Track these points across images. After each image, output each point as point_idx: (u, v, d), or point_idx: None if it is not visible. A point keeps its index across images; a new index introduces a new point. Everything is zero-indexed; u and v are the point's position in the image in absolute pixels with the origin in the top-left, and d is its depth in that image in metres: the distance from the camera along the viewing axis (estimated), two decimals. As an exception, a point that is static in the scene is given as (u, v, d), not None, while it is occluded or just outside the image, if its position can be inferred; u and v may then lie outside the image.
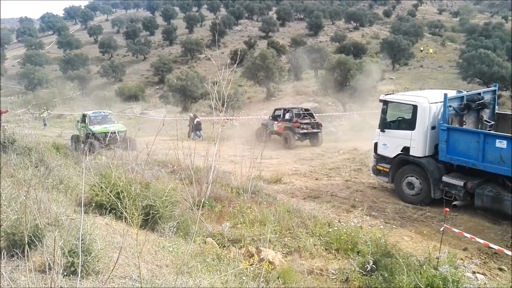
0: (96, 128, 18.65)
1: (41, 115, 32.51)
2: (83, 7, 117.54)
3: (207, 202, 8.40)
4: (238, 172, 10.71)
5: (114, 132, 18.40)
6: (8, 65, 71.79)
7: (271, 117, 23.39)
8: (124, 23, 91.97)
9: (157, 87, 57.11)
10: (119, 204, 5.63)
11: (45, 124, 31.01)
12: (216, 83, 9.32)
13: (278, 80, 42.43)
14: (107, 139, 17.35)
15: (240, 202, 9.08)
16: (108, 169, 6.67)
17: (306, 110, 23.47)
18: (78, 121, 20.62)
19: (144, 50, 72.74)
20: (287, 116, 22.22)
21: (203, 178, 8.88)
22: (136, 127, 24.63)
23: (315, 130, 21.88)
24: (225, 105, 8.82)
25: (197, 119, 24.87)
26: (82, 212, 4.34)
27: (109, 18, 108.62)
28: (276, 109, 24.06)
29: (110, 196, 5.91)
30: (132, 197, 5.92)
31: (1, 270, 3.37)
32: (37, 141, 8.79)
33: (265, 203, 9.36)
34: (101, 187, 6.14)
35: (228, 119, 27.43)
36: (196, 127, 24.42)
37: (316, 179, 13.92)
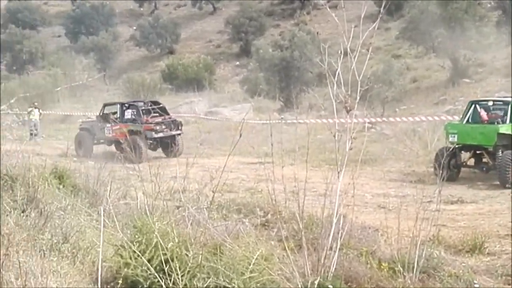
0: None
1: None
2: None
3: (330, 286, 4.91)
4: (393, 228, 6.19)
5: None
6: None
7: (99, 117, 17.04)
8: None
9: (237, 62, 36.41)
10: (163, 283, 3.71)
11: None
12: (342, 54, 4.49)
13: (476, 43, 22.68)
14: None
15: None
16: (146, 217, 4.09)
17: (155, 103, 17.70)
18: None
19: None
20: (127, 114, 16.55)
21: (323, 239, 5.06)
22: (198, 138, 17.24)
23: (173, 132, 16.09)
24: (357, 98, 4.64)
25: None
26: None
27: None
28: (106, 105, 17.71)
29: (150, 268, 3.85)
30: (189, 271, 3.91)
31: None
32: (26, 164, 5.86)
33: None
34: (134, 251, 3.98)
35: (370, 124, 17.08)
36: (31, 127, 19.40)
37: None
